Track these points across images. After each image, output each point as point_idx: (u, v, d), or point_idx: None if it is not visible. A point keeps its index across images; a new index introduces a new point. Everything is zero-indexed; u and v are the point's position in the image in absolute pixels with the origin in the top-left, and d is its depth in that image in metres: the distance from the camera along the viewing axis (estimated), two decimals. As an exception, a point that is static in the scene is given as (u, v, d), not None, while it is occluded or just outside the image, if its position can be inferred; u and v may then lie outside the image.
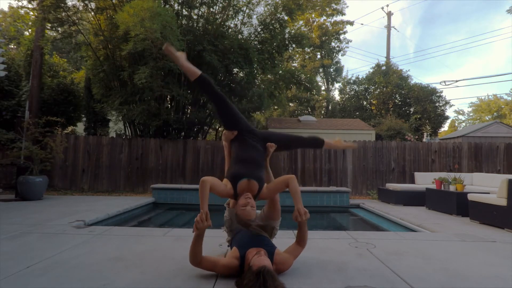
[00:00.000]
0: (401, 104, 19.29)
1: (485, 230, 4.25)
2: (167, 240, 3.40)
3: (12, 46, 16.77)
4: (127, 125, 9.96)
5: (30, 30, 12.48)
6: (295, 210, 2.25)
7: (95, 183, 8.67)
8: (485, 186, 6.88)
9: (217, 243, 3.17)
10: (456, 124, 35.69)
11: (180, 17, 9.44)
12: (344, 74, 24.53)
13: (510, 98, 31.37)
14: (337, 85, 24.88)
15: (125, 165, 8.77)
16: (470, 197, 4.98)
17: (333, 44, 23.00)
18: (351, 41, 34.27)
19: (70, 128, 11.47)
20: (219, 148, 8.95)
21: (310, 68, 22.37)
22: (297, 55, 23.62)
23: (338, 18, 21.95)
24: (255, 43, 10.34)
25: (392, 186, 7.48)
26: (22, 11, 11.16)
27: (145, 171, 8.78)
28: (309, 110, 22.77)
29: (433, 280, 2.30)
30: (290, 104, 22.54)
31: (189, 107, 10.05)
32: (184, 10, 9.70)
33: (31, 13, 9.56)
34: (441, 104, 18.43)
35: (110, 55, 9.25)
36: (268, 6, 10.22)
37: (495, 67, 56.52)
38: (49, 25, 9.17)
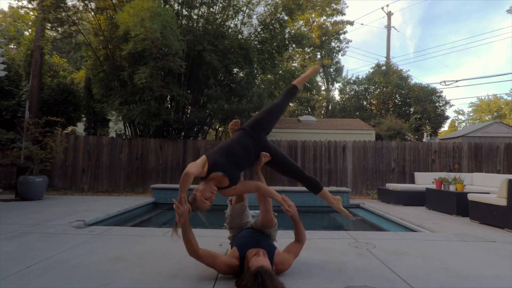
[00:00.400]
0: (401, 104, 19.29)
1: (485, 230, 4.25)
2: (167, 240, 3.40)
3: (12, 46, 16.77)
4: (127, 125, 9.96)
5: (30, 30, 12.48)
6: (282, 204, 2.30)
7: (95, 183, 8.67)
8: (485, 186, 6.88)
9: (217, 243, 3.17)
10: (456, 124, 35.71)
11: (180, 17, 9.44)
12: (344, 74, 24.53)
13: (510, 98, 31.40)
14: (337, 85, 24.89)
15: (125, 165, 8.77)
16: (470, 197, 4.98)
17: (333, 44, 23.00)
18: (351, 41, 34.30)
19: (70, 128, 11.47)
20: (219, 148, 8.95)
21: (310, 68, 22.32)
22: (297, 55, 23.61)
23: (338, 18, 21.96)
24: (255, 43, 10.35)
25: (392, 186, 7.48)
26: (22, 11, 11.16)
27: (145, 171, 8.78)
28: (309, 110, 22.77)
29: (433, 280, 2.30)
30: (290, 104, 22.53)
31: (189, 107, 10.05)
32: (184, 10, 9.70)
33: (31, 13, 9.56)
34: (441, 104, 18.43)
35: (110, 55, 9.25)
36: (268, 6, 10.23)
37: (495, 67, 56.57)
38: (49, 25, 9.17)
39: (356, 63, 59.16)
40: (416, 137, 15.29)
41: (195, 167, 2.09)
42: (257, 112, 2.61)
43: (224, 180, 2.20)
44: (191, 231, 2.15)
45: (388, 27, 22.58)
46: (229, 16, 9.96)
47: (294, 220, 2.40)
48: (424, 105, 17.93)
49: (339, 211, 2.63)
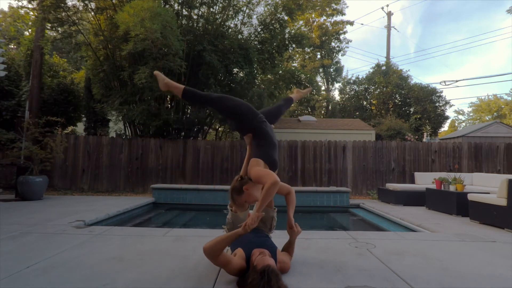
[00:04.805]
0: (401, 104, 19.28)
1: (485, 230, 4.25)
2: (167, 240, 3.40)
3: (12, 46, 16.76)
4: (127, 125, 9.96)
5: (30, 30, 12.48)
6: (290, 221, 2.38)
7: (95, 183, 8.67)
8: (485, 186, 6.88)
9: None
10: (456, 124, 35.72)
11: (180, 17, 9.44)
12: (344, 74, 24.55)
13: (510, 98, 31.41)
14: (337, 85, 24.89)
15: (125, 165, 8.77)
16: (470, 197, 4.98)
17: (333, 44, 23.00)
18: (351, 41, 34.23)
19: (70, 128, 11.47)
20: (219, 148, 8.96)
21: (310, 68, 22.37)
22: (297, 55, 23.62)
23: (338, 18, 21.98)
24: (255, 43, 10.35)
25: (392, 186, 7.48)
26: (22, 11, 11.15)
27: (145, 171, 8.78)
28: (309, 110, 22.76)
29: (433, 280, 2.30)
30: (290, 104, 22.49)
31: (189, 107, 10.05)
32: (184, 10, 9.70)
33: (31, 13, 9.56)
34: (441, 104, 18.43)
35: (110, 55, 9.26)
36: (268, 6, 10.23)
37: (496, 67, 56.55)
38: (49, 25, 9.17)
39: (356, 63, 59.18)
40: (416, 137, 15.28)
41: (272, 173, 2.19)
42: (240, 110, 2.59)
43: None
44: (231, 242, 2.19)
45: (388, 27, 22.58)
46: (229, 16, 9.96)
47: (292, 241, 2.50)
48: (424, 105, 17.92)
49: (304, 92, 3.20)
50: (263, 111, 2.72)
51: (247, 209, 2.53)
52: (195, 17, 9.88)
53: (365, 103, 20.91)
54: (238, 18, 10.21)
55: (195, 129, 10.31)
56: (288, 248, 2.52)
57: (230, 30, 10.34)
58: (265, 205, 2.23)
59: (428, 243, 3.51)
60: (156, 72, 2.69)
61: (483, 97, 33.55)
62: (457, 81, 16.27)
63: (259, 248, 2.17)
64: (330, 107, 23.05)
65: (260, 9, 10.30)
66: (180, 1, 9.42)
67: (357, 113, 20.13)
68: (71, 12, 9.00)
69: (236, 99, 2.55)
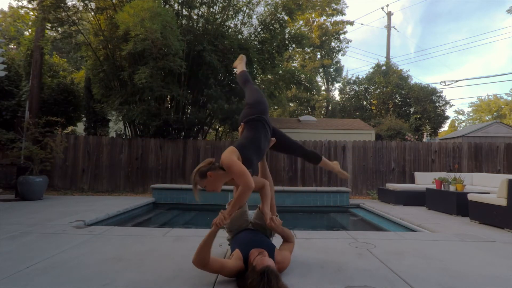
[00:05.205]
0: (401, 104, 19.29)
1: (485, 230, 4.25)
2: (167, 240, 3.40)
3: (12, 46, 16.76)
4: (127, 125, 9.96)
5: (30, 30, 12.47)
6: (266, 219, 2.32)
7: (95, 183, 8.67)
8: (485, 186, 6.88)
9: (217, 243, 3.16)
10: (456, 124, 35.71)
11: (180, 17, 9.44)
12: (344, 74, 24.55)
13: (510, 98, 31.41)
14: (337, 85, 24.90)
15: (125, 165, 8.77)
16: (470, 197, 4.98)
17: (333, 44, 23.00)
18: (351, 41, 34.21)
19: (70, 128, 11.47)
20: (219, 148, 8.95)
21: (310, 68, 22.36)
22: (297, 55, 23.63)
23: (338, 18, 21.98)
24: (255, 43, 10.35)
25: (392, 186, 7.48)
26: (22, 11, 11.14)
27: (145, 171, 8.78)
28: (309, 110, 22.76)
29: (433, 280, 2.30)
30: (290, 104, 22.54)
31: (189, 107, 10.05)
32: (184, 10, 9.70)
33: (31, 13, 9.55)
34: (441, 104, 18.44)
35: (110, 55, 9.25)
36: (268, 6, 10.23)
37: (496, 67, 56.57)
38: (49, 25, 9.17)
39: (356, 63, 59.21)
40: (416, 137, 15.28)
41: (250, 177, 2.13)
42: (253, 100, 2.61)
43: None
44: (212, 242, 2.12)
45: (388, 27, 22.58)
46: (229, 16, 9.96)
47: (279, 233, 2.47)
48: (424, 105, 17.93)
49: (338, 173, 2.95)
50: (277, 130, 2.76)
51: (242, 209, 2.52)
52: (195, 17, 9.88)
53: (365, 103, 20.91)
54: (238, 18, 10.22)
55: (195, 129, 10.31)
56: (285, 243, 2.48)
57: (230, 30, 10.34)
58: (237, 208, 2.22)
59: (428, 243, 3.51)
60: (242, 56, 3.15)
61: (483, 97, 33.59)
62: (457, 81, 16.29)
63: (257, 247, 2.17)
64: (330, 107, 23.05)
65: (260, 9, 10.32)
66: (180, 1, 9.41)
67: (357, 113, 20.13)
68: (71, 12, 9.00)
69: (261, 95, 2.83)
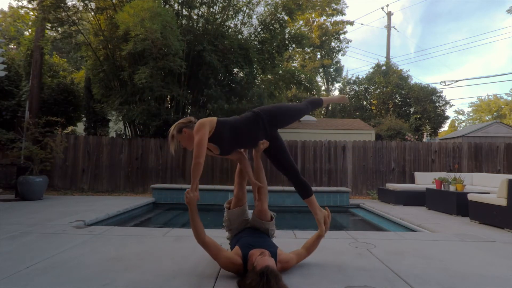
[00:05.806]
0: (401, 104, 19.29)
1: (485, 230, 4.25)
2: (167, 240, 3.40)
3: (12, 46, 16.76)
4: (127, 125, 9.96)
5: (30, 30, 12.48)
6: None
7: (95, 183, 8.67)
8: (485, 186, 6.88)
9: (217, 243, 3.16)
10: (456, 124, 35.72)
11: (180, 17, 9.44)
12: (344, 74, 24.56)
13: (510, 98, 31.41)
14: (337, 85, 24.91)
15: (125, 165, 8.77)
16: (470, 197, 4.98)
17: (333, 44, 23.02)
18: (351, 41, 34.24)
19: (70, 128, 11.47)
20: (219, 148, 8.94)
21: (310, 68, 22.37)
22: (297, 55, 23.63)
23: (338, 18, 21.99)
24: (255, 43, 10.35)
25: (392, 186, 7.48)
26: (22, 11, 11.14)
27: (145, 171, 8.78)
28: (309, 110, 22.73)
29: (433, 280, 2.30)
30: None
31: (189, 107, 10.05)
32: (184, 10, 9.70)
33: (31, 13, 9.56)
34: (441, 104, 18.44)
35: (110, 55, 9.25)
36: (268, 6, 10.24)
37: (496, 67, 56.56)
38: (49, 25, 9.17)
39: (356, 63, 59.19)
40: (416, 137, 15.28)
41: (202, 151, 2.21)
42: (278, 106, 2.55)
43: (216, 151, 2.35)
44: (198, 217, 2.19)
45: (388, 27, 22.58)
46: (229, 16, 9.96)
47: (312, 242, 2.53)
48: (424, 105, 17.93)
49: (318, 223, 2.58)
50: (279, 139, 2.54)
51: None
52: (195, 17, 9.89)
53: (365, 103, 20.92)
54: (238, 18, 10.22)
55: (195, 129, 10.29)
56: (310, 244, 2.51)
57: (230, 30, 10.34)
58: (195, 181, 2.21)
59: (428, 243, 3.51)
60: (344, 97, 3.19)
61: (483, 97, 33.60)
62: (457, 81, 16.29)
63: (258, 247, 2.17)
64: (330, 107, 23.05)
65: (260, 9, 10.32)
66: (180, 1, 9.42)
67: (357, 113, 20.13)
68: (71, 12, 9.00)
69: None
